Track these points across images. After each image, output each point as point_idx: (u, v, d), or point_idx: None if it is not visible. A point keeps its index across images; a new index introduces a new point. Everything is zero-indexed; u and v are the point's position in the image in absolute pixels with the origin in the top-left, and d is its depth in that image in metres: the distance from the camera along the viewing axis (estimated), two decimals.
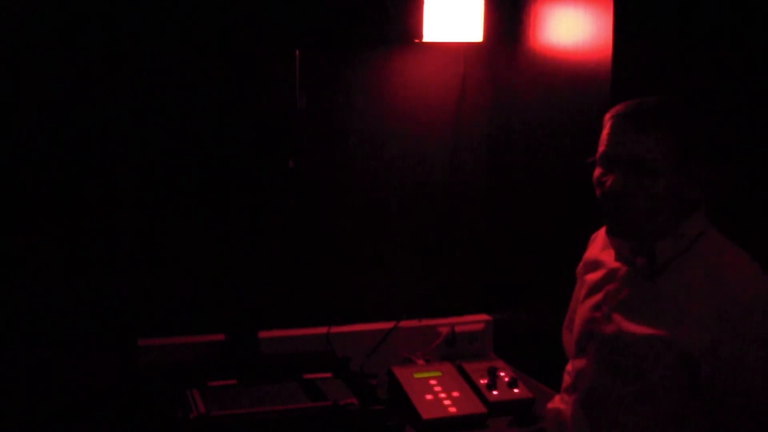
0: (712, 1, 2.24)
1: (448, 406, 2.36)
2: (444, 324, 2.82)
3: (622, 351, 1.73)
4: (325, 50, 2.64)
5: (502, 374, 2.54)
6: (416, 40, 2.66)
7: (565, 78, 2.40)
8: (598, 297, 1.83)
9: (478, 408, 2.38)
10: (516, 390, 2.49)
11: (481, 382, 2.50)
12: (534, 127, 2.61)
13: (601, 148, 1.72)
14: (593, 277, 1.87)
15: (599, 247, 1.91)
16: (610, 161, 1.70)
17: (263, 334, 2.61)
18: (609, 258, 1.84)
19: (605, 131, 1.72)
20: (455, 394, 2.41)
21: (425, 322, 2.81)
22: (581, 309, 1.88)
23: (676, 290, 1.68)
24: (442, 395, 2.40)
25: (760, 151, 2.35)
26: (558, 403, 2.03)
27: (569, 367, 2.05)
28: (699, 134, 1.67)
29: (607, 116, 1.73)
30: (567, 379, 2.03)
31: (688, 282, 1.67)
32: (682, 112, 1.68)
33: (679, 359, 1.64)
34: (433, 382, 2.46)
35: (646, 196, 1.66)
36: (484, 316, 2.90)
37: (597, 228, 2.00)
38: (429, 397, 2.39)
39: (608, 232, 1.78)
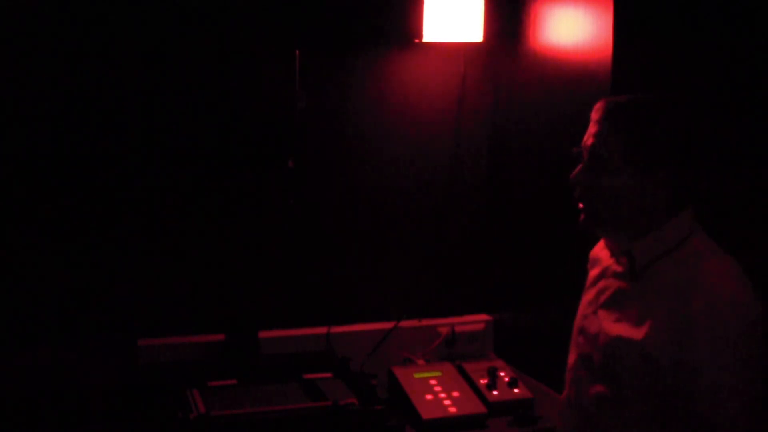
0: (712, 1, 2.24)
1: (448, 406, 2.36)
2: (444, 324, 2.82)
3: (600, 349, 1.74)
4: (325, 50, 2.64)
5: (502, 374, 2.54)
6: (416, 40, 2.66)
7: (565, 78, 2.40)
8: (592, 293, 1.84)
9: (478, 408, 2.38)
10: (516, 390, 2.49)
11: (481, 382, 2.50)
12: (534, 127, 2.61)
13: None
14: (593, 273, 1.89)
15: (602, 244, 1.92)
16: (582, 152, 1.74)
17: (263, 334, 2.61)
18: (605, 255, 1.85)
19: None
20: (455, 394, 2.42)
21: (425, 322, 2.81)
22: (581, 303, 1.89)
23: (651, 294, 1.68)
24: (442, 395, 2.40)
25: (758, 153, 2.35)
26: None
27: None
28: (654, 135, 1.66)
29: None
30: None
31: (663, 286, 1.66)
32: (640, 114, 1.68)
33: (647, 363, 1.63)
34: (433, 382, 2.46)
35: (601, 190, 1.69)
36: (484, 316, 2.90)
37: None
38: (429, 397, 2.39)
39: (582, 228, 1.79)
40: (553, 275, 2.55)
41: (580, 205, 1.76)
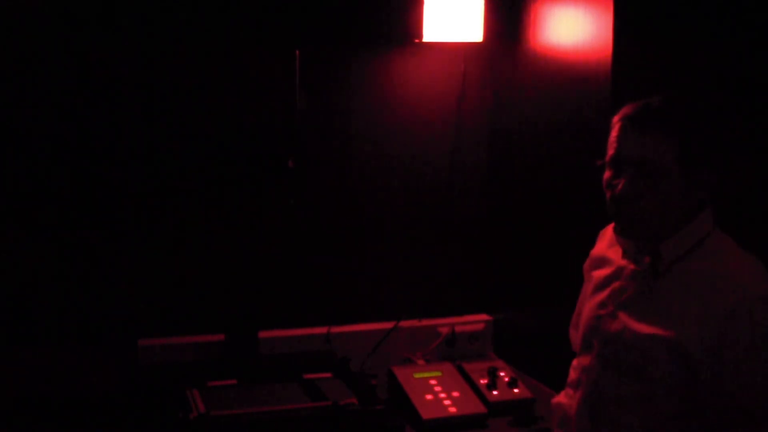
0: (712, 1, 2.24)
1: (448, 406, 2.36)
2: (444, 324, 2.82)
3: (626, 349, 1.73)
4: (325, 50, 2.64)
5: (502, 374, 2.54)
6: (416, 40, 2.66)
7: (565, 78, 2.40)
8: (604, 294, 1.83)
9: (478, 408, 2.38)
10: (516, 390, 2.49)
11: (481, 382, 2.50)
12: (534, 127, 2.61)
13: (610, 151, 1.71)
14: (600, 274, 1.88)
15: (606, 244, 1.91)
16: (619, 164, 1.70)
17: (263, 334, 2.61)
18: (616, 255, 1.84)
19: (613, 133, 1.71)
20: (455, 394, 2.41)
21: (425, 322, 2.81)
22: (587, 306, 1.88)
23: (680, 291, 1.68)
24: (442, 395, 2.40)
25: (761, 151, 2.35)
26: (563, 397, 2.04)
27: (575, 362, 2.06)
28: (702, 136, 1.67)
29: (615, 119, 1.72)
30: (572, 374, 2.04)
31: (692, 283, 1.67)
32: (686, 113, 1.68)
33: (681, 360, 1.64)
34: (433, 382, 2.46)
35: (654, 198, 1.67)
36: (484, 316, 2.90)
37: (597, 227, 2.00)
38: (429, 397, 2.39)
39: (619, 234, 1.78)
40: (553, 275, 2.55)
41: (618, 214, 1.73)
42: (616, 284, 1.81)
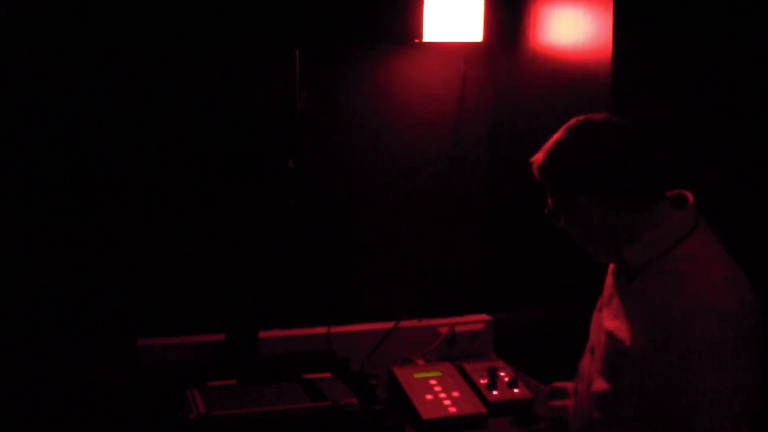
0: (712, 2, 2.24)
1: (448, 406, 2.36)
2: (444, 324, 2.82)
3: (601, 347, 1.76)
4: (325, 50, 2.64)
5: (502, 374, 2.54)
6: (416, 40, 2.66)
7: (565, 78, 2.40)
8: (604, 290, 1.86)
9: (478, 408, 2.38)
10: (516, 390, 2.49)
11: (481, 382, 2.50)
12: (534, 127, 2.61)
13: None
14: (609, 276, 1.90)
15: None
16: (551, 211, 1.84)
17: (263, 334, 2.62)
18: None
19: None
20: (455, 394, 2.41)
21: (425, 322, 2.81)
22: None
23: (638, 295, 1.68)
24: (442, 395, 2.40)
25: (759, 150, 2.35)
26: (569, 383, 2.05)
27: None
28: (562, 168, 1.75)
29: None
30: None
31: (649, 288, 1.66)
32: (551, 159, 1.77)
33: (631, 364, 1.64)
34: (433, 382, 2.46)
35: (573, 229, 1.79)
36: (484, 316, 2.90)
37: None
38: (429, 397, 2.39)
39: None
40: (553, 275, 2.55)
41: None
42: (607, 281, 1.84)
